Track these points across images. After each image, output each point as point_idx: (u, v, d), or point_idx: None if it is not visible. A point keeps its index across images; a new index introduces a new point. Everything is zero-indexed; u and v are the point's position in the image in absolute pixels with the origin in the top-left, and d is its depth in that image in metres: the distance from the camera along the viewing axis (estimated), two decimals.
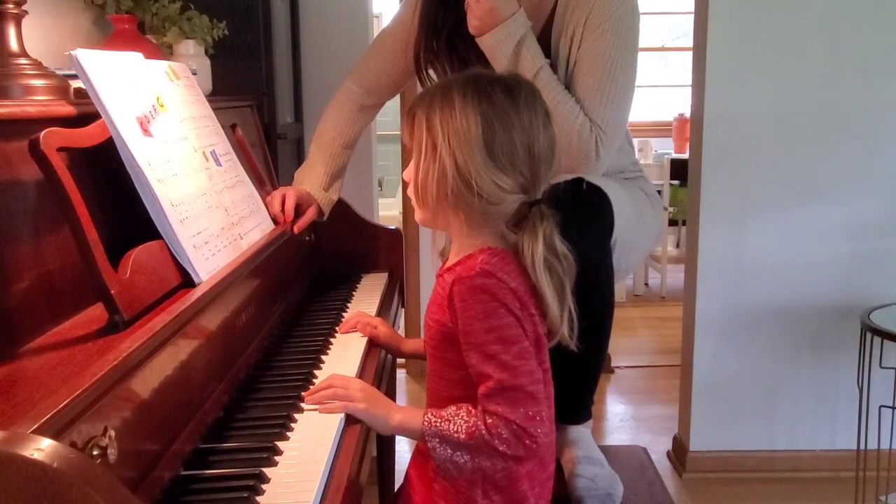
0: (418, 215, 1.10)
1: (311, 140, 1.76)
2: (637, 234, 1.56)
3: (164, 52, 1.75)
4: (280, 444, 0.96)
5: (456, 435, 1.01)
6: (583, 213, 1.36)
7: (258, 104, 1.93)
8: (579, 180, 1.40)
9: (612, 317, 1.47)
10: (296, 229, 1.56)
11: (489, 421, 0.99)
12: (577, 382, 1.45)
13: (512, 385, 0.99)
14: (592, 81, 1.47)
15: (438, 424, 1.02)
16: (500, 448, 0.99)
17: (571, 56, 1.49)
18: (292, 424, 1.03)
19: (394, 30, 1.70)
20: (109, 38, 1.66)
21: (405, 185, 1.16)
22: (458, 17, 1.52)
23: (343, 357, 1.30)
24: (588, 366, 1.46)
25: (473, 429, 1.00)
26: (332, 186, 1.73)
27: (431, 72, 1.60)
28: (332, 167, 1.72)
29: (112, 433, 0.72)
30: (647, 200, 1.64)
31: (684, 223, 3.83)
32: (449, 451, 1.01)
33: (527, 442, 0.99)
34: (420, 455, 1.11)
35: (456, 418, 1.02)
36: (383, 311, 1.62)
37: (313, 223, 1.68)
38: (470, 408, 1.03)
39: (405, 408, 1.10)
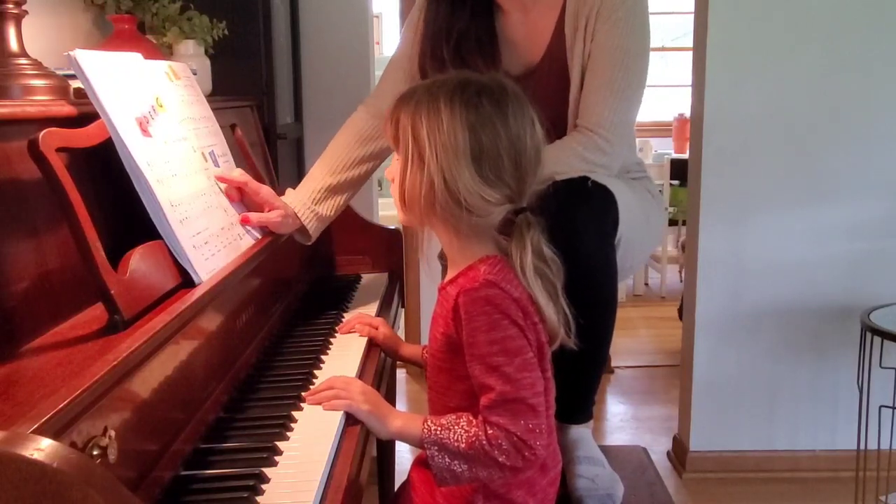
0: (401, 217, 1.10)
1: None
2: (642, 234, 1.56)
3: (164, 52, 1.75)
4: (280, 444, 0.96)
5: (456, 444, 1.01)
6: (588, 212, 1.37)
7: (258, 104, 1.93)
8: (585, 179, 1.40)
9: (615, 316, 1.47)
10: (242, 219, 1.36)
11: (490, 432, 0.99)
12: (579, 382, 1.45)
13: (514, 397, 0.99)
14: (606, 72, 1.47)
15: (438, 433, 1.02)
16: (500, 459, 0.99)
17: (587, 47, 1.49)
18: (292, 424, 1.03)
19: (402, 51, 1.63)
20: (109, 38, 1.66)
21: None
22: (467, 21, 1.51)
23: (343, 357, 1.30)
24: (590, 365, 1.46)
25: (474, 439, 1.00)
26: (327, 201, 1.53)
27: None
28: (331, 182, 1.54)
29: (112, 433, 0.72)
30: (653, 201, 1.65)
31: (684, 223, 3.83)
32: (447, 459, 1.01)
33: (526, 454, 0.99)
34: (424, 458, 1.11)
35: (456, 427, 1.02)
36: (383, 311, 1.61)
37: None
38: (470, 417, 1.03)
39: (405, 413, 1.10)
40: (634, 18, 1.47)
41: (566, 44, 1.51)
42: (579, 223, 1.33)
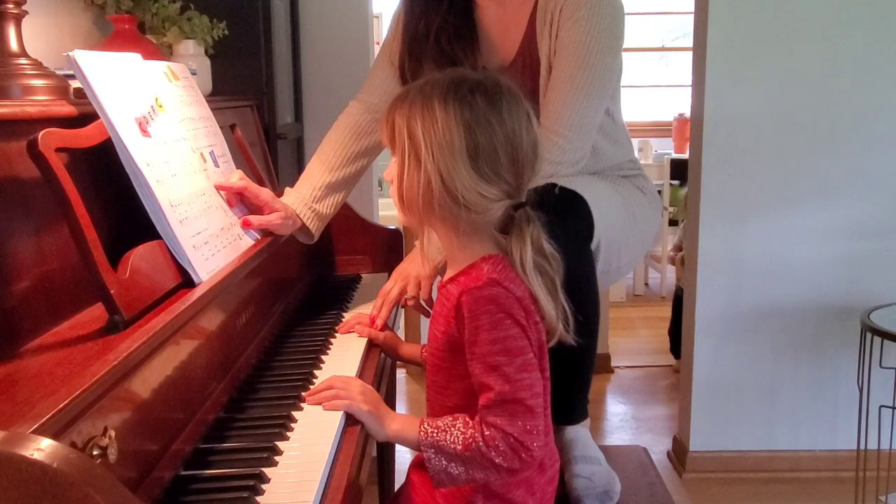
0: (402, 218, 1.10)
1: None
2: (628, 234, 1.55)
3: (164, 52, 1.75)
4: (280, 444, 0.96)
5: (452, 446, 1.01)
6: (557, 219, 1.35)
7: (258, 104, 1.92)
8: (552, 185, 1.38)
9: (599, 318, 1.46)
10: (243, 223, 1.35)
11: (487, 433, 0.99)
12: (570, 384, 1.45)
13: (512, 398, 0.99)
14: (566, 70, 1.46)
15: (435, 435, 1.02)
16: (497, 460, 0.99)
17: (552, 44, 1.49)
18: (292, 424, 1.03)
19: (389, 45, 1.63)
20: (109, 38, 1.66)
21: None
22: (444, 15, 1.52)
23: (343, 357, 1.30)
24: (579, 367, 1.45)
25: (470, 440, 1.00)
26: (326, 199, 1.53)
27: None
28: (329, 179, 1.54)
29: (112, 433, 0.72)
30: (645, 200, 1.64)
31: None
32: (444, 462, 1.01)
33: (522, 455, 0.99)
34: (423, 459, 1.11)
35: (452, 429, 1.02)
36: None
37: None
38: (466, 418, 1.02)
39: (402, 416, 1.10)
40: (600, 18, 1.46)
41: (537, 41, 1.51)
42: (549, 232, 1.32)
